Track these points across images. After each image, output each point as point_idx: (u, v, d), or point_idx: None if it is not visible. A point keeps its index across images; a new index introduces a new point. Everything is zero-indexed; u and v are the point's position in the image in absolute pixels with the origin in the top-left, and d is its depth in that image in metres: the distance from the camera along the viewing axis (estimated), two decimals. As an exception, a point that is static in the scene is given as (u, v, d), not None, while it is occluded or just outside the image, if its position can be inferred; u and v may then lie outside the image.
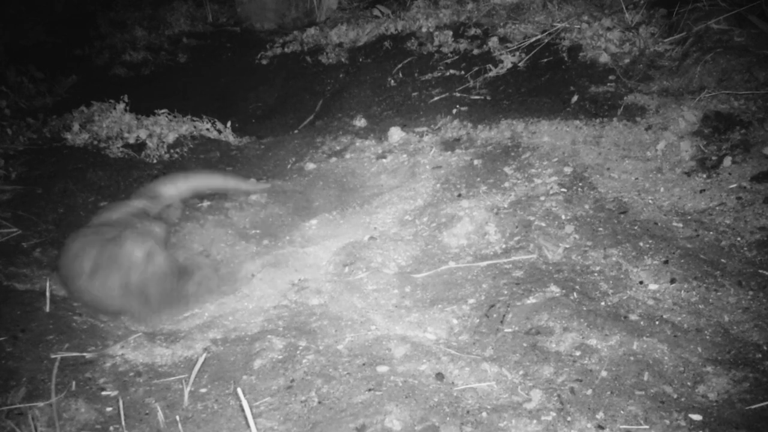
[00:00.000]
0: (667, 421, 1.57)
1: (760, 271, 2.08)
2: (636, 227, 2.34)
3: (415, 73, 3.84)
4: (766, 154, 2.52)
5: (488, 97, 3.45)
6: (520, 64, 3.59)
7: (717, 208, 2.39)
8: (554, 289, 2.05)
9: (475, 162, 2.94)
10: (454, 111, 3.41)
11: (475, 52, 3.82)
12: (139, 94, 3.90)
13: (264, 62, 4.62)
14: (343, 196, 3.02)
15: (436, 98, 3.56)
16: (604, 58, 3.36)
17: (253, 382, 1.85)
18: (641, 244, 2.24)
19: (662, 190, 2.55)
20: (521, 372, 1.78)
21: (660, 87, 3.11)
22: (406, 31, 4.24)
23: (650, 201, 2.50)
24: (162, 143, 3.44)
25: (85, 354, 1.98)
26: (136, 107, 3.64)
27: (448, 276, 2.30)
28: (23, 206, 2.86)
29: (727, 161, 2.55)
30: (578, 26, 3.61)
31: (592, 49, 3.44)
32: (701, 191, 2.49)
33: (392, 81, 3.85)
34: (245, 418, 1.64)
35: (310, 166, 3.31)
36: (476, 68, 3.67)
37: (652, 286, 2.08)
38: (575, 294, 2.04)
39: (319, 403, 1.73)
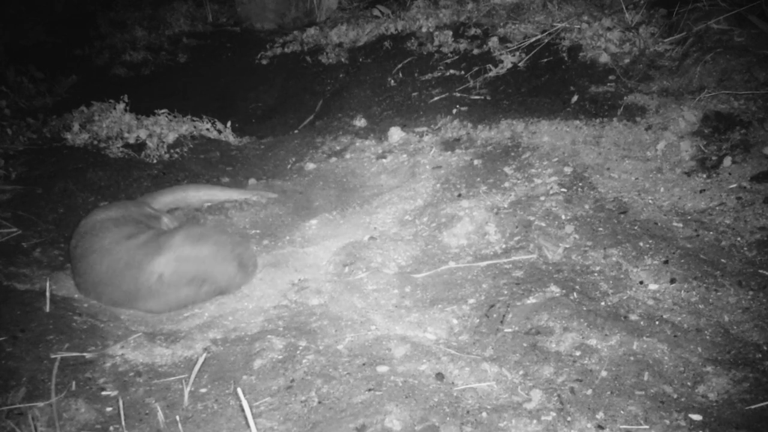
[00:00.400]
0: (667, 421, 1.57)
1: (760, 271, 2.08)
2: (636, 227, 2.34)
3: (415, 73, 3.84)
4: (766, 154, 2.52)
5: (488, 97, 3.45)
6: (520, 64, 3.60)
7: (717, 208, 2.39)
8: (554, 289, 2.05)
9: (475, 162, 2.94)
10: (454, 111, 3.41)
11: (475, 52, 3.82)
12: (139, 94, 3.90)
13: (264, 62, 4.62)
14: (343, 196, 3.02)
15: (436, 98, 3.56)
16: (604, 58, 3.37)
17: (253, 382, 1.85)
18: (641, 244, 2.24)
19: (662, 190, 2.55)
20: (521, 372, 1.78)
21: (660, 87, 3.11)
22: (406, 31, 4.24)
23: (650, 201, 2.50)
24: (162, 143, 3.44)
25: (85, 354, 1.98)
26: (136, 107, 3.64)
27: (448, 276, 2.30)
28: (23, 206, 2.86)
29: (727, 161, 2.55)
30: (578, 26, 3.61)
31: (592, 49, 3.44)
32: (701, 191, 2.49)
33: (392, 81, 3.85)
34: (245, 418, 1.64)
35: (310, 166, 3.31)
36: (476, 68, 3.67)
37: (652, 286, 2.08)
38: (575, 294, 2.04)
39: (319, 403, 1.73)
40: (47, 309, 2.16)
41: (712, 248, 2.22)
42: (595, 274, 2.16)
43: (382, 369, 1.83)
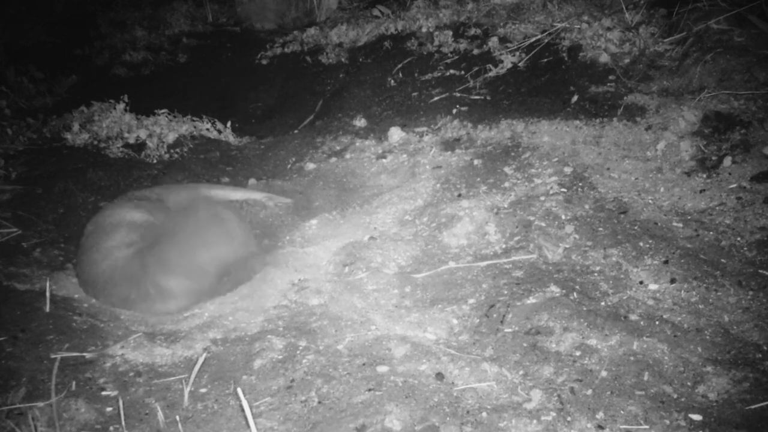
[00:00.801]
0: (667, 421, 1.57)
1: (760, 271, 2.08)
2: (636, 227, 2.34)
3: (415, 73, 3.84)
4: (766, 154, 2.52)
5: (488, 97, 3.45)
6: (520, 64, 3.59)
7: (717, 208, 2.39)
8: (554, 289, 2.05)
9: (475, 162, 2.94)
10: (454, 111, 3.41)
11: (475, 52, 3.82)
12: (139, 94, 3.90)
13: (264, 62, 4.62)
14: (343, 196, 3.02)
15: (436, 98, 3.56)
16: (604, 58, 3.36)
17: (253, 382, 1.85)
18: (641, 244, 2.24)
19: (662, 190, 2.55)
20: (521, 372, 1.78)
21: (660, 87, 3.11)
22: (406, 31, 4.24)
23: (650, 201, 2.50)
24: (162, 143, 3.44)
25: (85, 354, 1.98)
26: (136, 107, 3.64)
27: (448, 276, 2.30)
28: (23, 206, 2.86)
29: (727, 161, 2.55)
30: (578, 26, 3.61)
31: (592, 49, 3.44)
32: (701, 191, 2.49)
33: (392, 81, 3.85)
34: (245, 418, 1.64)
35: (310, 166, 3.31)
36: (476, 68, 3.67)
37: (652, 286, 2.08)
38: (575, 294, 2.04)
39: (319, 403, 1.73)
40: (47, 309, 2.16)
41: (712, 248, 2.22)
42: (595, 274, 2.16)
43: (382, 369, 1.83)
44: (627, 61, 3.33)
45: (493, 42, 3.81)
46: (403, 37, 4.18)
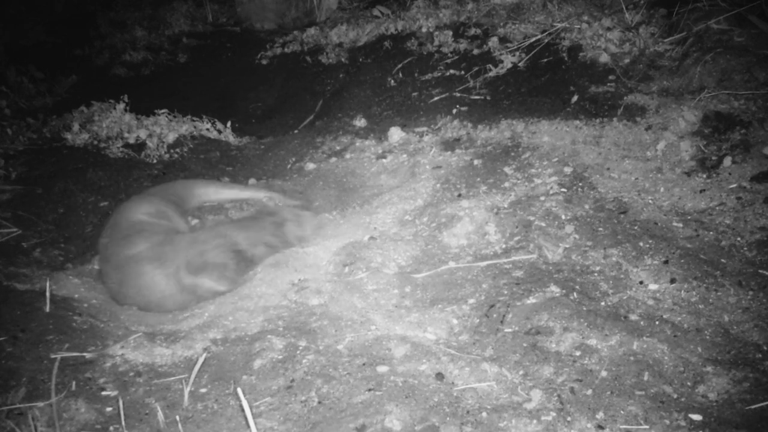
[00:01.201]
0: (667, 421, 1.57)
1: (760, 271, 2.08)
2: (636, 227, 2.34)
3: (415, 73, 3.84)
4: (766, 154, 2.52)
5: (488, 97, 3.45)
6: (520, 64, 3.60)
7: (717, 208, 2.39)
8: (554, 289, 2.05)
9: (475, 162, 2.94)
10: (454, 111, 3.41)
11: (475, 52, 3.82)
12: (139, 94, 3.90)
13: (264, 62, 4.62)
14: (343, 196, 3.02)
15: (436, 98, 3.56)
16: (604, 58, 3.37)
17: (253, 382, 1.85)
18: (641, 244, 2.24)
19: (662, 190, 2.55)
20: (521, 372, 1.78)
21: (660, 87, 3.11)
22: (406, 31, 4.24)
23: (650, 201, 2.50)
24: (162, 143, 3.44)
25: (85, 354, 1.98)
26: (136, 107, 3.64)
27: (448, 276, 2.30)
28: (23, 206, 2.86)
29: (727, 161, 2.55)
30: (578, 26, 3.61)
31: (592, 49, 3.44)
32: (701, 191, 2.49)
33: (392, 81, 3.85)
34: (245, 418, 1.64)
35: (310, 166, 3.31)
36: (476, 68, 3.67)
37: (652, 286, 2.08)
38: (575, 294, 2.04)
39: (319, 403, 1.73)
40: (47, 309, 2.16)
41: (712, 248, 2.22)
42: (595, 274, 2.16)
43: (382, 369, 1.83)
44: (627, 61, 3.33)
45: (493, 42, 3.81)
46: (403, 37, 4.18)
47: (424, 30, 4.15)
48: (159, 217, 2.57)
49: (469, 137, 3.18)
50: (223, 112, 4.07)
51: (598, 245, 2.27)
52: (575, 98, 3.17)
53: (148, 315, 2.34)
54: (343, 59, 4.28)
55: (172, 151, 3.42)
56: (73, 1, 5.64)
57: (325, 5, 5.14)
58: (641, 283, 2.10)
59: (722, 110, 2.78)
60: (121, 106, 3.60)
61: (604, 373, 1.73)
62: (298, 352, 1.94)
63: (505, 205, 2.57)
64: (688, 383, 1.71)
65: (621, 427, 1.56)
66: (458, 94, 3.55)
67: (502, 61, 3.65)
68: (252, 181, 3.24)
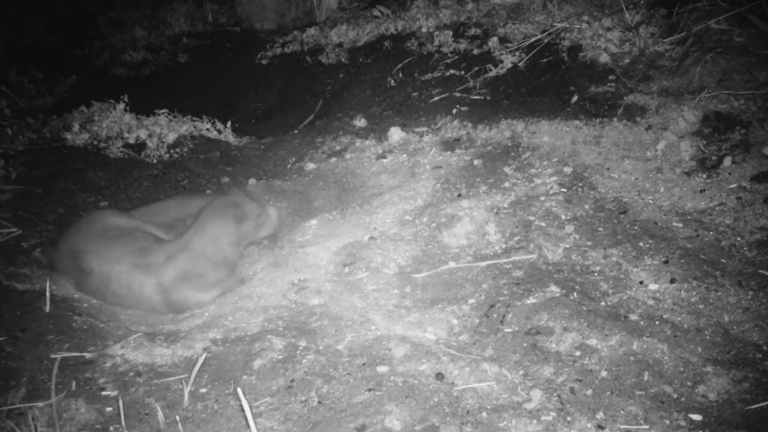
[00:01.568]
0: (667, 421, 1.57)
1: (760, 271, 2.08)
2: (636, 227, 2.34)
3: (415, 73, 3.84)
4: (766, 154, 2.52)
5: (488, 97, 3.45)
6: (520, 64, 3.59)
7: (717, 208, 2.39)
8: (554, 289, 2.05)
9: (475, 162, 2.94)
10: (454, 111, 3.41)
11: (475, 52, 3.82)
12: (139, 94, 3.90)
13: (264, 62, 4.62)
14: (343, 196, 3.02)
15: (436, 98, 3.56)
16: (604, 58, 3.37)
17: (253, 382, 1.85)
18: (641, 244, 2.24)
19: (662, 190, 2.55)
20: (521, 372, 1.78)
21: (660, 87, 3.11)
22: (406, 31, 4.24)
23: (650, 201, 2.50)
24: (162, 143, 3.44)
25: (85, 354, 1.98)
26: (136, 107, 3.64)
27: (448, 276, 2.30)
28: (23, 206, 2.86)
29: (727, 161, 2.55)
30: (578, 26, 3.61)
31: (592, 49, 3.44)
32: (701, 191, 2.49)
33: (392, 81, 3.85)
34: (245, 418, 1.64)
35: (310, 166, 3.31)
36: (476, 68, 3.67)
37: (652, 286, 2.08)
38: (575, 294, 2.04)
39: (319, 403, 1.73)
40: (47, 309, 2.16)
41: (712, 248, 2.22)
42: (595, 274, 2.16)
43: (382, 369, 1.83)
44: (627, 61, 3.33)
45: (493, 42, 3.81)
46: (403, 37, 4.18)
47: (424, 30, 4.15)
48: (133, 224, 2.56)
49: (469, 137, 3.18)
50: (223, 112, 4.07)
51: (598, 245, 2.27)
52: (575, 98, 3.17)
53: (148, 315, 2.34)
54: (343, 59, 4.28)
55: (172, 151, 3.42)
56: (73, 1, 5.64)
57: (325, 5, 5.14)
58: (641, 283, 2.10)
59: (722, 110, 2.78)
60: (121, 106, 3.60)
61: (604, 373, 1.73)
62: (298, 352, 1.94)
63: (505, 205, 2.57)
64: (688, 383, 1.71)
65: (621, 427, 1.56)
66: (458, 94, 3.55)
67: (502, 61, 3.65)
68: (252, 181, 3.24)
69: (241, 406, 1.63)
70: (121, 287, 2.35)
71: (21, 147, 3.43)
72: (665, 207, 2.46)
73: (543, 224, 2.38)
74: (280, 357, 1.93)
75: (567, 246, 2.29)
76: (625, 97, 3.05)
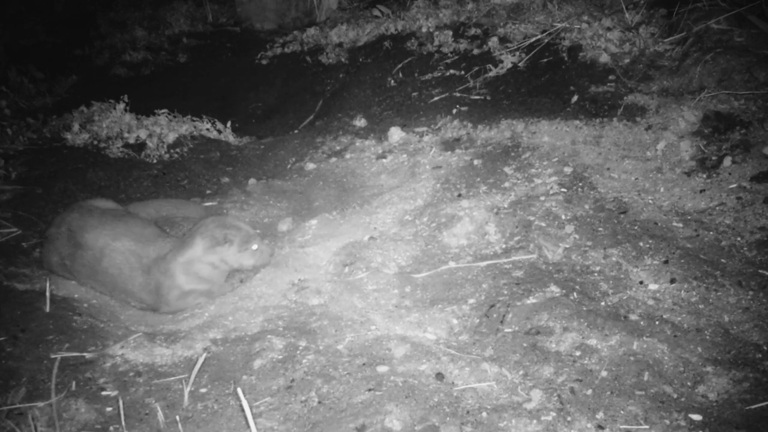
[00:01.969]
0: (667, 421, 1.57)
1: (760, 271, 2.08)
2: (636, 227, 2.34)
3: (415, 73, 3.84)
4: (766, 154, 2.52)
5: (488, 97, 3.45)
6: (520, 64, 3.59)
7: (717, 208, 2.39)
8: (554, 289, 2.05)
9: (475, 162, 2.94)
10: (454, 111, 3.41)
11: (475, 52, 3.82)
12: (139, 94, 3.90)
13: (264, 62, 4.62)
14: (343, 196, 3.02)
15: (436, 98, 3.56)
16: (604, 58, 3.37)
17: (253, 382, 1.85)
18: (641, 244, 2.24)
19: (662, 190, 2.55)
20: (521, 372, 1.78)
21: (660, 87, 3.11)
22: (406, 31, 4.24)
23: (650, 201, 2.50)
24: (162, 143, 3.44)
25: (85, 354, 1.98)
26: (136, 107, 3.64)
27: (448, 276, 2.30)
28: (23, 206, 2.86)
29: (727, 161, 2.55)
30: (578, 26, 3.61)
31: (592, 49, 3.44)
32: (701, 191, 2.49)
33: (392, 81, 3.85)
34: (245, 418, 1.64)
35: (310, 166, 3.31)
36: (476, 68, 3.67)
37: (652, 286, 2.08)
38: (575, 294, 2.04)
39: (319, 403, 1.73)
40: (47, 309, 2.16)
41: (712, 248, 2.22)
42: (595, 274, 2.16)
43: (382, 369, 1.83)
44: (627, 61, 3.33)
45: (493, 42, 3.81)
46: (403, 37, 4.18)
47: (424, 30, 4.15)
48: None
49: (469, 137, 3.18)
50: (223, 112, 4.08)
51: (598, 245, 2.27)
52: (575, 98, 3.17)
53: (148, 315, 2.34)
54: (343, 59, 4.28)
55: (172, 151, 3.42)
56: (73, 1, 5.64)
57: (325, 5, 5.15)
58: (641, 283, 2.10)
59: (722, 110, 2.78)
60: (121, 106, 3.60)
61: (604, 373, 1.73)
62: (298, 352, 1.94)
63: (505, 205, 2.57)
64: (688, 383, 1.71)
65: (621, 427, 1.56)
66: (458, 94, 3.55)
67: (502, 61, 3.65)
68: (252, 181, 3.24)
69: (241, 406, 1.63)
70: (114, 266, 2.32)
71: (21, 147, 3.43)
72: (665, 207, 2.46)
73: (543, 224, 2.38)
74: (280, 357, 1.93)
75: (567, 246, 2.29)
76: (625, 97, 3.05)
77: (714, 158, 2.61)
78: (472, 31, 3.99)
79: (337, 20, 4.88)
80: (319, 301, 2.24)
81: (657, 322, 1.91)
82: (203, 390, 1.85)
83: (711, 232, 2.29)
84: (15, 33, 5.29)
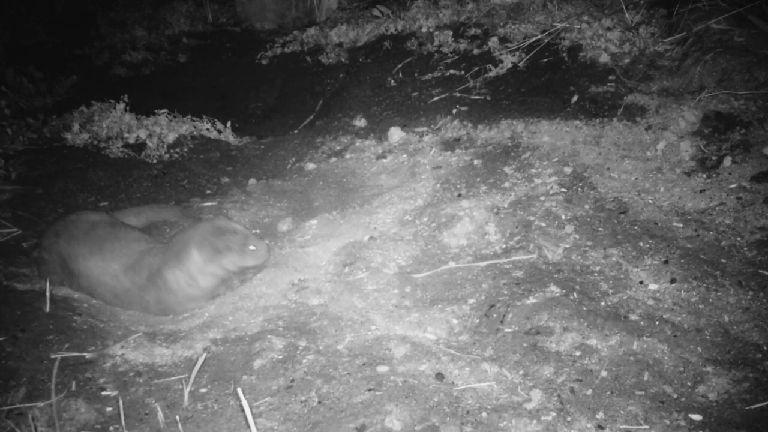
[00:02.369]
0: (667, 421, 1.57)
1: (760, 271, 2.08)
2: (636, 227, 2.34)
3: (415, 73, 3.84)
4: (766, 154, 2.52)
5: (488, 97, 3.45)
6: (520, 64, 3.60)
7: (717, 208, 2.39)
8: (554, 289, 2.05)
9: (475, 162, 2.94)
10: (454, 111, 3.41)
11: (475, 52, 3.82)
12: (139, 94, 3.90)
13: (264, 62, 4.62)
14: (343, 196, 3.02)
15: (436, 98, 3.56)
16: (604, 58, 3.37)
17: (253, 382, 1.85)
18: (641, 244, 2.24)
19: (662, 190, 2.55)
20: (521, 372, 1.78)
21: (660, 87, 3.11)
22: (406, 31, 4.24)
23: (650, 201, 2.50)
24: (162, 143, 3.44)
25: (85, 354, 1.98)
26: (136, 107, 3.64)
27: (448, 276, 2.30)
28: (23, 206, 2.86)
29: (727, 161, 2.55)
30: (578, 26, 3.61)
31: (592, 49, 3.45)
32: (701, 191, 2.49)
33: (392, 81, 3.85)
34: (245, 418, 1.64)
35: (310, 166, 3.31)
36: (476, 68, 3.67)
37: (652, 286, 2.08)
38: (575, 294, 2.04)
39: (319, 403, 1.73)
40: (47, 309, 2.16)
41: (712, 248, 2.22)
42: (595, 274, 2.16)
43: (382, 369, 1.83)
44: (627, 61, 3.34)
45: (493, 42, 3.81)
46: (403, 37, 4.18)
47: (424, 30, 4.15)
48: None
49: (469, 137, 3.18)
50: (223, 112, 4.07)
51: (598, 245, 2.27)
52: (575, 98, 3.17)
53: (148, 315, 2.34)
54: (343, 59, 4.28)
55: (172, 151, 3.42)
56: (73, 1, 5.64)
57: (325, 5, 5.15)
58: (641, 283, 2.10)
59: (722, 110, 2.78)
60: (121, 106, 3.60)
61: (604, 373, 1.73)
62: (298, 352, 1.94)
63: (505, 205, 2.57)
64: (688, 383, 1.71)
65: (621, 427, 1.56)
66: (458, 94, 3.55)
67: (502, 61, 3.65)
68: (252, 181, 3.24)
69: (241, 406, 1.63)
70: (108, 292, 2.32)
71: (21, 147, 3.43)
72: (665, 207, 2.46)
73: (543, 224, 2.38)
74: (280, 357, 1.93)
75: (567, 246, 2.29)
76: (625, 97, 3.05)
77: (714, 158, 2.61)
78: (472, 31, 3.99)
79: (337, 20, 4.88)
80: (319, 301, 2.24)
81: (657, 322, 1.92)
82: (203, 390, 1.85)
83: (711, 232, 2.29)
84: (15, 33, 5.29)
